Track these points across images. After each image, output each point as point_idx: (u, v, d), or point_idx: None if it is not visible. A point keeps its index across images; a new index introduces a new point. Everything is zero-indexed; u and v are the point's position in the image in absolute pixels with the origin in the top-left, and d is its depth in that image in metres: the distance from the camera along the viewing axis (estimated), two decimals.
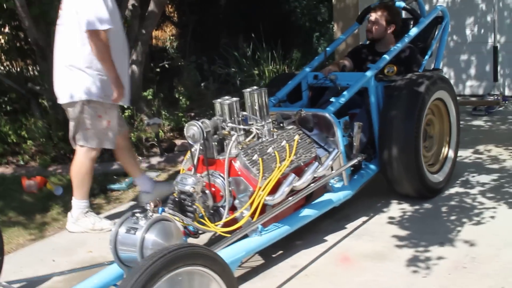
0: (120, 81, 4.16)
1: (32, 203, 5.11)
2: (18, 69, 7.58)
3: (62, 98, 4.26)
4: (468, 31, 7.98)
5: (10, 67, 7.63)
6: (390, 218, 4.13)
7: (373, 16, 4.71)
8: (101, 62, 4.09)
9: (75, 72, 4.14)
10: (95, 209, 4.81)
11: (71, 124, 4.27)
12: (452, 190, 4.52)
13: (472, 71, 8.04)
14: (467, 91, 8.08)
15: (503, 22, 7.65)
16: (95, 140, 4.26)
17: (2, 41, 7.67)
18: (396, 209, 4.27)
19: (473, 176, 4.79)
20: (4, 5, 5.98)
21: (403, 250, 3.62)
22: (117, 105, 4.33)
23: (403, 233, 3.87)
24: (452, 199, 4.37)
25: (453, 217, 4.04)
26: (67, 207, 4.89)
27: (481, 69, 7.94)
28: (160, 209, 2.96)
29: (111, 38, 4.10)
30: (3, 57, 7.75)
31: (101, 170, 5.84)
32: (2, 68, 7.59)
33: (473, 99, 7.64)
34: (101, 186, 5.27)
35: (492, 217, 4.01)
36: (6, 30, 7.38)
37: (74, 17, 4.09)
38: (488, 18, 7.77)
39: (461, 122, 5.07)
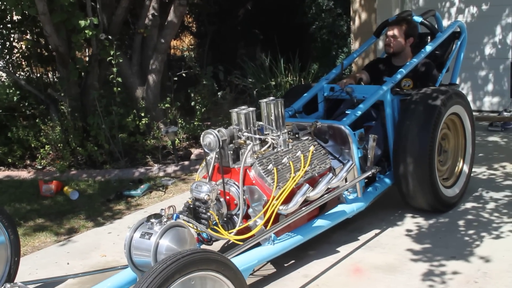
0: None
1: (48, 206, 5.18)
2: (38, 75, 7.68)
3: None
4: (485, 47, 7.97)
5: (30, 73, 7.74)
6: (403, 231, 4.12)
7: (391, 31, 4.71)
8: None
9: None
10: (114, 214, 4.87)
11: None
12: (468, 205, 4.51)
13: (489, 87, 8.02)
14: (484, 107, 8.06)
15: None
16: None
17: (24, 47, 7.78)
18: (410, 222, 4.27)
19: (487, 192, 4.77)
20: (26, 12, 6.07)
21: (415, 263, 3.61)
22: None
23: (416, 246, 3.86)
24: (468, 213, 4.36)
25: (468, 231, 4.03)
26: (82, 212, 4.96)
27: (498, 85, 7.93)
28: (175, 215, 2.99)
29: None
30: (23, 63, 7.86)
31: (117, 176, 5.91)
32: (22, 73, 7.69)
33: (490, 114, 7.61)
34: (117, 192, 5.33)
35: (510, 231, 3.99)
36: (28, 36, 7.49)
37: None
38: (506, 34, 7.77)
39: (477, 138, 5.05)
